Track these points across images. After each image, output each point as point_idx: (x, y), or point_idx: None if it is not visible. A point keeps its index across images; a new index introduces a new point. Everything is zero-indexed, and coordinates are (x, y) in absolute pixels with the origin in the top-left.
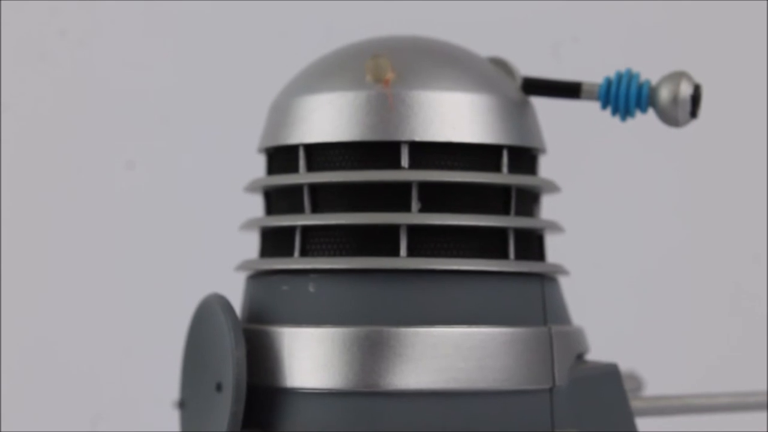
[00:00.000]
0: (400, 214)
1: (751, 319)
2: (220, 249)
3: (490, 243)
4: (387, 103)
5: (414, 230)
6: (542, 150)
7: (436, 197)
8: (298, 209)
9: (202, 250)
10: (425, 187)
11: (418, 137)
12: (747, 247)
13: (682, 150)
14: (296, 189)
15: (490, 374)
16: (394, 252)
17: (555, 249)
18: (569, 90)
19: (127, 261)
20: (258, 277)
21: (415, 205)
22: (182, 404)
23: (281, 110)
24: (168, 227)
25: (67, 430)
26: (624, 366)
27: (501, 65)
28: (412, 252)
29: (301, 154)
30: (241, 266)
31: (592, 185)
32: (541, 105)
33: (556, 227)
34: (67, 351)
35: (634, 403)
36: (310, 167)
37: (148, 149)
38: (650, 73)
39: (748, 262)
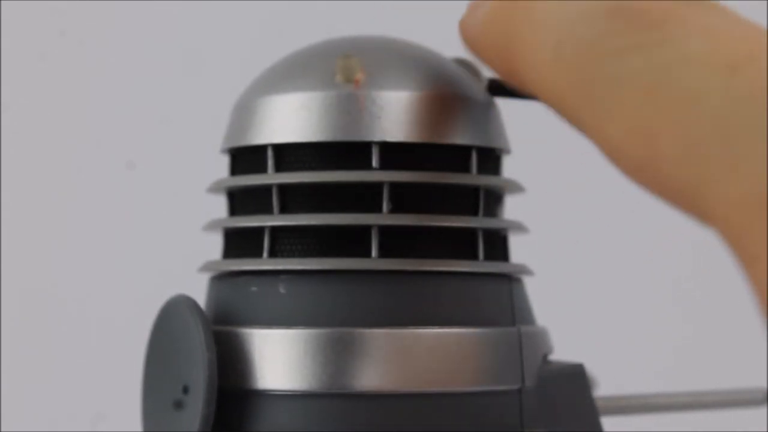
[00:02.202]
0: (371, 215)
1: (711, 317)
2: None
3: (460, 244)
4: (357, 103)
5: (385, 231)
6: (507, 150)
7: (406, 198)
8: (267, 210)
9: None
10: (396, 187)
11: (389, 138)
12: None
13: None
14: (265, 189)
15: (460, 375)
16: (366, 253)
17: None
18: None
19: (126, 261)
20: (224, 279)
21: (386, 205)
22: (179, 404)
23: (246, 110)
24: (165, 227)
25: (67, 430)
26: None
27: (466, 66)
28: (384, 253)
29: (270, 154)
30: (205, 267)
31: (560, 186)
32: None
33: (521, 228)
34: (67, 351)
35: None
36: (279, 167)
37: (149, 149)
38: None
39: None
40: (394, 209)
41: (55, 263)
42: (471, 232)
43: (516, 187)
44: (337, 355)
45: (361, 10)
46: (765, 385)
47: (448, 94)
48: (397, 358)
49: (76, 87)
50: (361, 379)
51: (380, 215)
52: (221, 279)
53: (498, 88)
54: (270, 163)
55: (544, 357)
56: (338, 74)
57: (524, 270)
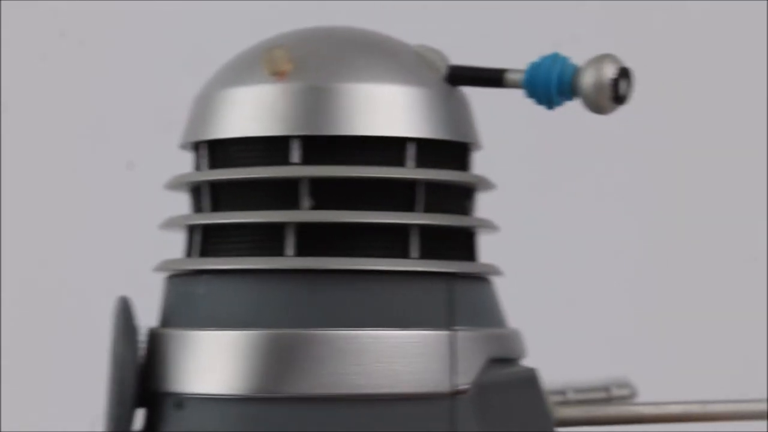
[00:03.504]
0: (287, 212)
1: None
2: None
3: (393, 241)
4: (281, 96)
5: (305, 228)
6: (473, 144)
7: (331, 194)
8: (202, 208)
9: None
10: (318, 183)
11: (308, 131)
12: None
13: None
14: (200, 187)
15: (386, 378)
16: (283, 251)
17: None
18: (493, 79)
19: (126, 261)
20: (170, 278)
21: (305, 202)
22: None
23: (195, 105)
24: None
25: (67, 430)
26: (616, 372)
27: (429, 54)
28: (303, 251)
29: (205, 150)
30: (158, 267)
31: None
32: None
33: (487, 225)
34: (68, 351)
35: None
36: (214, 164)
37: (149, 149)
38: (653, 73)
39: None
40: (318, 205)
41: (56, 263)
42: (404, 229)
43: (484, 183)
44: (259, 358)
45: (361, 9)
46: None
47: (378, 84)
48: (319, 361)
49: (76, 87)
50: (283, 383)
51: (297, 212)
52: (169, 279)
53: (457, 78)
54: (205, 159)
55: (499, 360)
56: (264, 67)
57: (488, 270)
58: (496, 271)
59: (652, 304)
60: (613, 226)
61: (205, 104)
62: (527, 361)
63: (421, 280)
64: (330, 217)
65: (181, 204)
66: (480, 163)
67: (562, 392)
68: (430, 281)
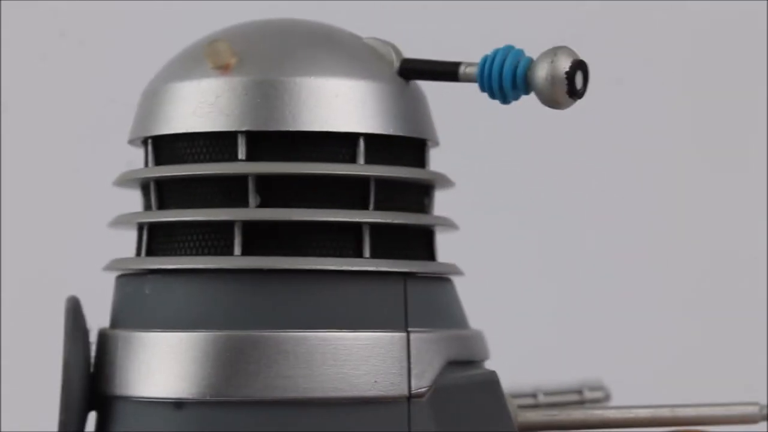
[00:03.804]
0: (234, 210)
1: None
2: None
3: (345, 240)
4: (225, 91)
5: (253, 227)
6: (429, 140)
7: (280, 191)
8: (148, 205)
9: None
10: (265, 180)
11: (254, 127)
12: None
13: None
14: (146, 184)
15: (335, 382)
16: (230, 251)
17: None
18: (447, 72)
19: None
20: (119, 278)
21: (252, 199)
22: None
23: (141, 100)
24: None
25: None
26: (588, 375)
27: (381, 47)
28: (249, 250)
29: (149, 147)
30: (107, 266)
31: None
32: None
33: (445, 223)
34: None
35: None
36: (160, 161)
37: None
38: (652, 73)
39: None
40: (266, 203)
41: (56, 264)
42: (356, 228)
43: (442, 180)
44: (206, 361)
45: (363, 9)
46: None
47: (325, 77)
48: (268, 363)
49: (76, 87)
50: (230, 387)
51: (243, 210)
52: (117, 278)
53: (410, 71)
54: (149, 156)
55: (459, 363)
56: (207, 60)
57: (447, 269)
58: (455, 271)
59: (648, 305)
60: (591, 224)
61: (150, 99)
62: (495, 363)
63: (374, 280)
64: (277, 215)
65: None
66: (456, 160)
67: (532, 395)
68: (383, 281)
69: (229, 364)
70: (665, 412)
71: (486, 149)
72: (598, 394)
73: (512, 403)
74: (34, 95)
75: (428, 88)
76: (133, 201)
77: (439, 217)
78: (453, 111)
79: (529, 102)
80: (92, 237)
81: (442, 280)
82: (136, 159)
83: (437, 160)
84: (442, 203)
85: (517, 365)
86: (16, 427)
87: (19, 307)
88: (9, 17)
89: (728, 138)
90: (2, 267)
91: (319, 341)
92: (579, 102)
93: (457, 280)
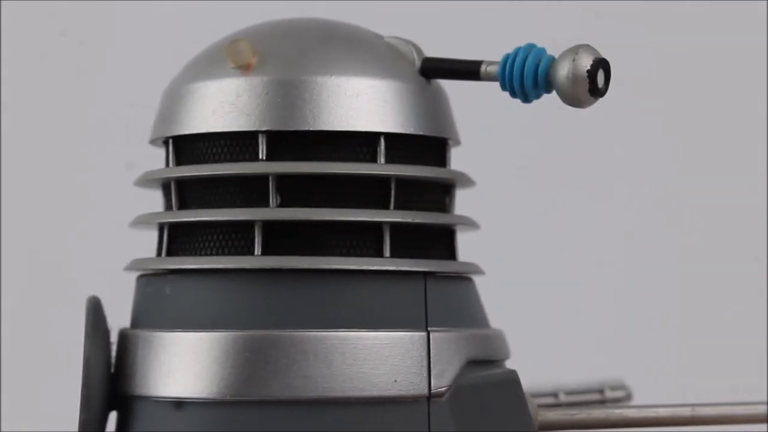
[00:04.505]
0: (254, 210)
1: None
2: None
3: (365, 239)
4: (245, 90)
5: (273, 226)
6: (450, 139)
7: (300, 191)
8: (169, 205)
9: None
10: (286, 180)
11: (274, 126)
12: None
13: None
14: (167, 184)
15: (355, 382)
16: (250, 250)
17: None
18: (468, 72)
19: (127, 262)
20: (139, 278)
21: (273, 199)
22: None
23: (162, 100)
24: None
25: (67, 430)
26: (610, 374)
27: (402, 46)
28: (269, 250)
29: (170, 147)
30: (128, 266)
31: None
32: None
33: (466, 223)
34: (68, 351)
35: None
36: (180, 161)
37: (149, 149)
38: (651, 72)
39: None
40: (286, 203)
41: (56, 264)
42: (376, 227)
43: (463, 180)
44: (220, 362)
45: (386, 8)
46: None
47: (347, 77)
48: (290, 363)
49: (76, 87)
50: (252, 387)
51: (263, 210)
52: (138, 279)
53: (431, 70)
54: (171, 156)
55: (479, 362)
56: (228, 60)
57: (469, 269)
58: (476, 270)
59: (652, 306)
60: (612, 225)
61: (171, 99)
62: (516, 362)
63: (395, 279)
64: (297, 215)
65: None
66: (472, 160)
67: (553, 394)
68: (403, 281)
69: (248, 363)
70: (685, 411)
71: (508, 148)
72: (619, 394)
73: (532, 403)
74: (34, 95)
75: (451, 86)
76: (135, 200)
77: (460, 216)
78: (476, 109)
79: (552, 100)
80: (93, 237)
81: (462, 279)
82: (136, 159)
83: (459, 159)
84: (462, 202)
85: (539, 364)
86: (16, 427)
87: (39, 308)
88: (9, 17)
89: (728, 138)
90: (9, 268)
91: (339, 341)
92: (604, 100)
93: (478, 280)
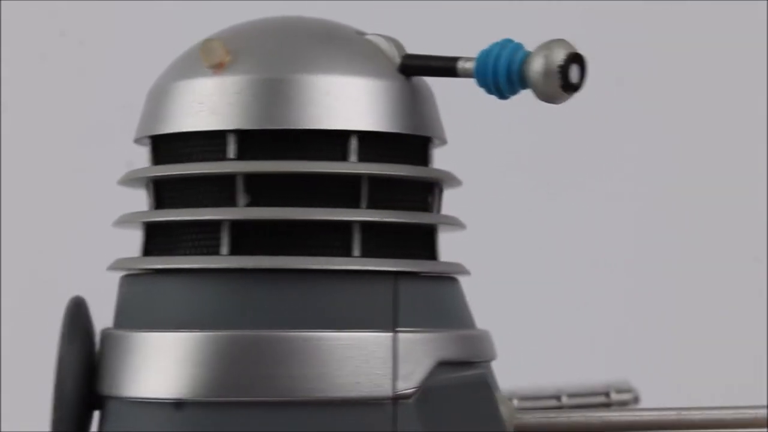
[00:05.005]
0: (222, 209)
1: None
2: None
3: (335, 239)
4: (215, 89)
5: (242, 226)
6: (433, 137)
7: (270, 190)
8: (150, 205)
9: None
10: (255, 179)
11: (244, 125)
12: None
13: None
14: (147, 184)
15: (318, 383)
16: (219, 250)
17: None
18: (445, 68)
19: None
20: (122, 278)
21: (241, 198)
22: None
23: (145, 100)
24: None
25: None
26: (616, 375)
27: (382, 43)
28: (237, 250)
29: (150, 146)
30: (111, 266)
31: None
32: None
33: (449, 222)
34: None
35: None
36: (158, 160)
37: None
38: (651, 71)
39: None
40: (256, 202)
41: (56, 264)
42: (346, 227)
43: (449, 178)
44: (184, 362)
45: (366, 8)
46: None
47: (316, 75)
48: (246, 364)
49: (76, 87)
50: (209, 387)
51: (231, 209)
52: (120, 278)
53: (410, 68)
54: (149, 155)
55: (439, 364)
56: (202, 59)
57: (444, 269)
58: (458, 270)
59: (651, 306)
60: (613, 225)
61: (151, 99)
62: (518, 364)
63: (363, 279)
64: (264, 214)
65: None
66: (472, 160)
67: (556, 397)
68: (372, 280)
69: (207, 364)
70: (671, 415)
71: (508, 147)
72: (625, 397)
73: (509, 405)
74: (34, 95)
75: (441, 85)
76: (135, 200)
77: (439, 216)
78: (476, 109)
79: (536, 98)
80: (93, 237)
81: (443, 279)
82: (136, 159)
83: (458, 159)
84: (463, 202)
85: (542, 366)
86: (16, 427)
87: (39, 308)
88: (9, 17)
89: (728, 137)
90: (10, 268)
91: (302, 341)
92: (604, 99)
93: (481, 281)
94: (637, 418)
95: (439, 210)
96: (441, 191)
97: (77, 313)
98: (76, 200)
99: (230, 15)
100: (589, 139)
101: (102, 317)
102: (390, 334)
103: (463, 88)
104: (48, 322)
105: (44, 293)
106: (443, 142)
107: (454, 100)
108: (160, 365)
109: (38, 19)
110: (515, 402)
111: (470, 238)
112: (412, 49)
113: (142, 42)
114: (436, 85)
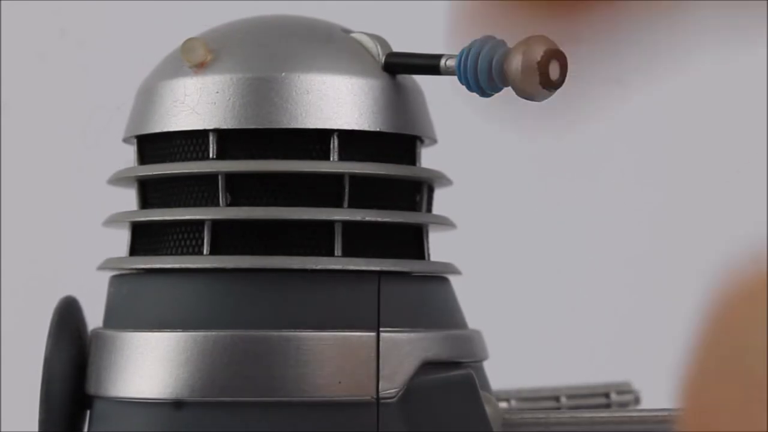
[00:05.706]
0: (204, 209)
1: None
2: None
3: (316, 238)
4: (201, 88)
5: (222, 226)
6: (421, 136)
7: (251, 189)
8: (137, 205)
9: None
10: (237, 178)
11: (224, 125)
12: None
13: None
14: (132, 183)
15: (302, 383)
16: (200, 250)
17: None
18: (428, 66)
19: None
20: (111, 278)
21: (222, 198)
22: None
23: (133, 100)
24: None
25: None
26: (617, 377)
27: (367, 41)
28: (218, 249)
29: (136, 146)
30: (101, 266)
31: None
32: None
33: (437, 221)
34: None
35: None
36: (143, 160)
37: None
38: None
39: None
40: (237, 202)
41: (56, 264)
42: (328, 226)
43: (437, 177)
44: (164, 362)
45: (367, 9)
46: None
47: (299, 75)
48: (225, 364)
49: (76, 87)
50: (187, 387)
51: (211, 209)
52: (109, 278)
53: (394, 66)
54: (135, 155)
55: (424, 364)
56: (183, 59)
57: (430, 269)
58: (447, 270)
59: (651, 307)
60: (614, 225)
61: (139, 98)
62: (518, 364)
63: (345, 278)
64: (245, 214)
65: None
66: (472, 160)
67: (555, 398)
68: (355, 280)
69: (188, 364)
70: (659, 415)
71: (507, 147)
72: (626, 398)
73: (495, 405)
74: (34, 95)
75: (431, 84)
76: (135, 200)
77: (426, 215)
78: (458, 107)
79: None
80: (93, 237)
81: (432, 279)
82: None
83: (458, 159)
84: (464, 203)
85: (542, 367)
86: (16, 427)
87: (39, 309)
88: (9, 16)
89: (728, 137)
90: (7, 266)
91: (282, 341)
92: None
93: (480, 281)
94: (627, 417)
95: (429, 209)
96: (431, 190)
97: (66, 313)
98: (75, 199)
99: (230, 15)
100: (584, 138)
101: (100, 317)
102: (373, 334)
103: (456, 87)
104: (47, 322)
105: (43, 293)
106: (433, 141)
107: (450, 99)
108: (144, 365)
109: (38, 18)
110: (513, 403)
111: (470, 238)
112: (402, 47)
113: (143, 42)
114: (429, 84)
